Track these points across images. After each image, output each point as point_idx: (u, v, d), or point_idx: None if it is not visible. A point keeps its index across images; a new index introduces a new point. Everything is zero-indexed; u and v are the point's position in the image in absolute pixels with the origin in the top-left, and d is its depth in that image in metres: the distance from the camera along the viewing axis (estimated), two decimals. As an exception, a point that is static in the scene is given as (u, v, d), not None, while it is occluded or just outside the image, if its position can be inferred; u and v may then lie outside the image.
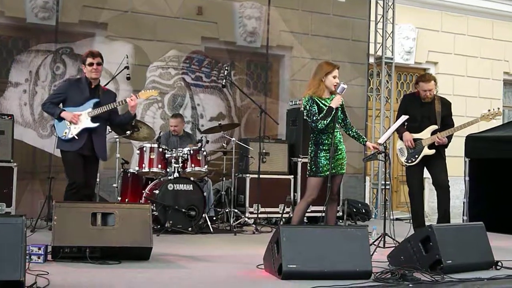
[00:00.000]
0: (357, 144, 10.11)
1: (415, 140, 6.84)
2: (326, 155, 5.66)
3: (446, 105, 6.97)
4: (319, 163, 5.68)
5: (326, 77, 5.73)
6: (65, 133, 6.19)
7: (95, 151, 6.27)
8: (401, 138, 6.97)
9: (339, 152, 5.79)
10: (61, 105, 6.28)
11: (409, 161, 6.89)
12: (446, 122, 6.87)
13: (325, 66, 5.82)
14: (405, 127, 6.84)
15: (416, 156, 6.82)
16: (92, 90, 6.30)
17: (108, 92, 6.56)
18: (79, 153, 6.19)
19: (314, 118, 5.63)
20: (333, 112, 5.61)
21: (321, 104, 5.69)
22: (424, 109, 6.87)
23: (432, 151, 6.78)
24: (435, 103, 6.88)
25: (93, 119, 6.22)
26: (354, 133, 5.96)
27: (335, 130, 5.70)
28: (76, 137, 6.17)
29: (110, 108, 6.24)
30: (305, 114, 5.75)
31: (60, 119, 6.20)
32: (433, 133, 6.81)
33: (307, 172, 5.80)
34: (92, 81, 6.28)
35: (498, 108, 6.85)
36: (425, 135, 6.83)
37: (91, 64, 6.22)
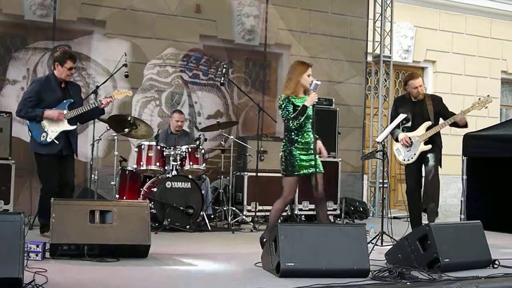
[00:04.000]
0: (355, 143, 10.25)
1: (411, 138, 6.86)
2: (301, 153, 5.64)
3: (436, 100, 7.01)
4: (295, 162, 5.63)
5: (302, 76, 5.74)
6: (43, 137, 6.22)
7: (72, 149, 6.37)
8: (396, 140, 6.99)
9: (312, 152, 5.73)
10: None
11: (407, 160, 6.91)
12: (446, 114, 6.89)
13: (301, 66, 5.82)
14: (400, 128, 6.89)
15: (414, 153, 6.84)
16: (63, 90, 6.34)
17: (74, 85, 6.61)
18: (58, 154, 6.25)
19: (288, 117, 5.63)
20: (307, 111, 5.60)
21: (296, 103, 5.68)
22: (415, 108, 6.91)
23: (429, 146, 6.80)
24: (426, 100, 6.92)
25: (70, 120, 6.27)
26: None
27: (310, 129, 5.71)
28: (57, 142, 6.21)
29: (85, 110, 6.29)
30: (280, 113, 5.75)
31: (37, 121, 6.22)
32: (428, 128, 6.83)
33: (282, 172, 5.73)
34: (62, 81, 6.31)
35: (488, 95, 6.86)
36: (420, 131, 6.85)
37: (70, 69, 6.25)
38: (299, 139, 5.66)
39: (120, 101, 8.89)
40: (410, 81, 6.93)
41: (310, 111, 5.67)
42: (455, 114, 6.81)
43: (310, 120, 5.73)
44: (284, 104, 5.65)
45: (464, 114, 6.78)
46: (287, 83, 5.80)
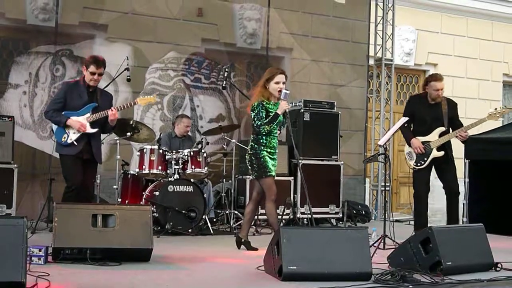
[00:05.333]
0: (357, 146, 10.25)
1: (423, 143, 6.84)
2: (269, 156, 5.86)
3: (452, 105, 6.99)
4: (265, 163, 5.83)
5: (269, 83, 5.89)
6: (64, 138, 6.24)
7: (93, 155, 6.33)
8: (409, 144, 6.96)
9: (276, 156, 6.01)
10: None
11: (418, 164, 6.89)
12: (455, 123, 6.89)
13: (267, 73, 5.98)
14: (412, 129, 6.88)
15: (425, 159, 6.83)
16: (91, 94, 6.34)
17: (105, 94, 6.60)
18: (79, 156, 6.23)
19: (259, 123, 5.80)
20: (278, 118, 5.80)
21: (269, 108, 5.86)
22: (432, 110, 6.88)
23: (441, 153, 6.80)
24: (442, 104, 6.89)
25: (92, 124, 6.27)
26: None
27: (276, 135, 5.94)
28: (75, 143, 6.22)
29: (107, 114, 6.28)
30: (252, 116, 5.89)
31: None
32: (441, 135, 6.81)
33: (255, 175, 5.93)
34: (90, 85, 6.32)
35: (505, 106, 6.87)
36: (433, 137, 6.84)
37: (93, 74, 6.25)
38: (266, 143, 5.88)
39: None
40: (432, 82, 6.85)
41: (281, 118, 5.86)
42: (462, 126, 6.82)
43: (278, 126, 5.95)
44: (258, 109, 5.83)
45: (471, 128, 6.77)
46: (256, 88, 6.02)
